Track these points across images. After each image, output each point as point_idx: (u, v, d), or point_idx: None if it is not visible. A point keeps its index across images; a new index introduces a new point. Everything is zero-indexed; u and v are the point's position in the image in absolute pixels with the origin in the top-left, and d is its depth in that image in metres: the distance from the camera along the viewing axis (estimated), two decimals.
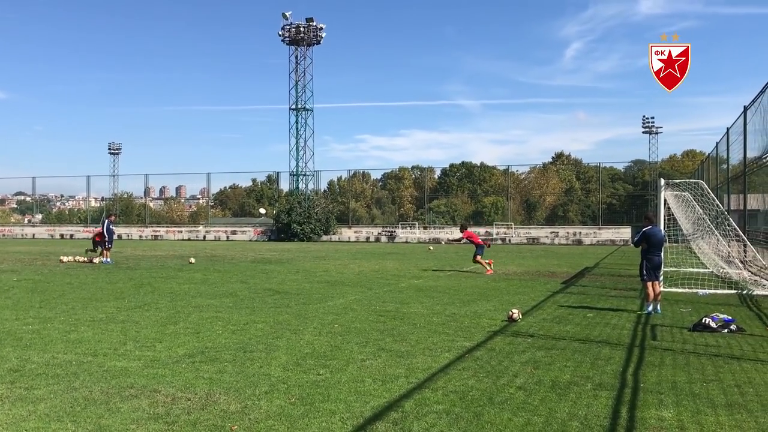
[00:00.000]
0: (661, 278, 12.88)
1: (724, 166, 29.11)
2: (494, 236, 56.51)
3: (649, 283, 11.89)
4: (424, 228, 61.35)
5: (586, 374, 7.01)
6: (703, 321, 9.94)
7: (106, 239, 25.12)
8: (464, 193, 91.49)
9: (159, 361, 7.54)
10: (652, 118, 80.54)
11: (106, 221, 25.81)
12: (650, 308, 11.72)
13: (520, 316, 10.75)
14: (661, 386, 6.52)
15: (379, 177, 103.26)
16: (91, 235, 27.61)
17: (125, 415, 5.50)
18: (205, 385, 6.49)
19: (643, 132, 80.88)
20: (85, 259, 25.29)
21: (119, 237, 60.77)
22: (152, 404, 5.82)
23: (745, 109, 21.32)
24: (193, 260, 26.07)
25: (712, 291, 14.93)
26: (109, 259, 24.75)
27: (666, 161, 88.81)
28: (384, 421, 5.35)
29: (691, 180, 17.97)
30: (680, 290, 14.99)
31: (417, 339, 9.03)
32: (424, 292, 15.08)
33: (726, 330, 9.67)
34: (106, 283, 16.76)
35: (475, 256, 21.38)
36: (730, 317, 10.22)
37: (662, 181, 16.10)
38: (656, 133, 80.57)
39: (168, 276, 18.97)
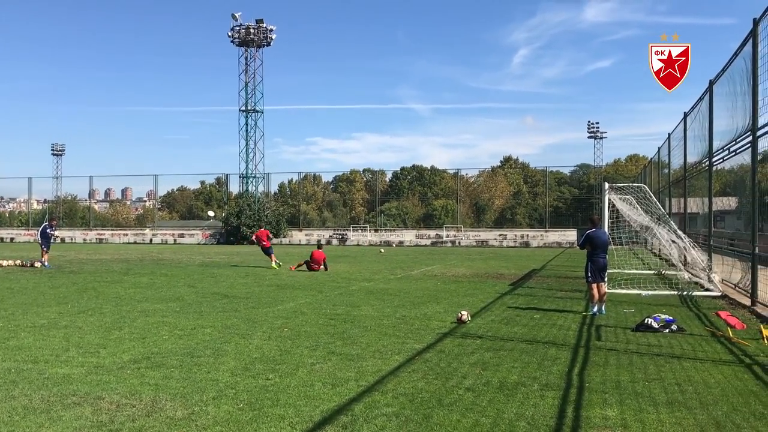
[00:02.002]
0: (606, 279, 13.17)
1: (666, 170, 30.03)
2: (444, 238, 56.95)
3: (594, 285, 12.14)
4: (375, 231, 61.44)
5: (533, 375, 7.12)
6: (646, 321, 10.20)
7: (40, 242, 24.58)
8: (415, 196, 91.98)
9: (103, 368, 7.36)
10: (597, 123, 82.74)
11: (43, 225, 25.17)
12: (595, 309, 11.97)
13: (469, 318, 10.86)
14: (605, 386, 6.67)
15: (330, 180, 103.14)
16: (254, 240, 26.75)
17: (67, 424, 5.35)
18: (151, 391, 6.36)
19: (588, 137, 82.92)
20: (26, 263, 24.53)
21: (62, 240, 59.19)
22: (96, 412, 5.68)
23: (685, 115, 22.04)
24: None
25: (654, 292, 15.34)
26: (47, 264, 24.05)
27: (611, 165, 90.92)
28: (333, 425, 5.34)
29: (634, 184, 18.48)
30: (623, 291, 15.35)
31: (367, 342, 9.03)
32: (374, 294, 15.10)
33: (667, 330, 9.95)
34: (48, 287, 16.28)
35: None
36: (671, 317, 10.51)
37: (606, 185, 16.48)
38: (601, 138, 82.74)
39: (113, 280, 18.53)
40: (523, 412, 5.74)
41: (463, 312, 10.97)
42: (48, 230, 24.88)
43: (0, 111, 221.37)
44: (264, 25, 61.01)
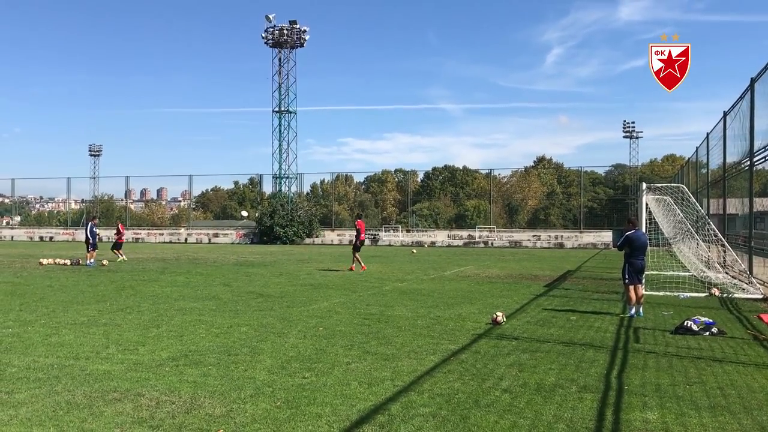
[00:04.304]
0: (643, 281, 12.96)
1: (704, 171, 29.49)
2: (476, 239, 56.69)
3: (632, 287, 11.96)
4: (407, 231, 61.40)
5: (571, 377, 7.04)
6: (685, 324, 10.02)
7: (90, 242, 25.10)
8: (447, 196, 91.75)
9: (142, 365, 7.47)
10: (633, 122, 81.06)
11: (90, 224, 25.69)
12: (633, 311, 11.79)
13: (504, 319, 10.77)
14: (645, 389, 6.57)
15: (362, 180, 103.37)
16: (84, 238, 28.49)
17: (109, 419, 5.44)
18: (190, 388, 6.44)
19: (623, 137, 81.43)
20: (67, 262, 25.05)
21: (100, 239, 60.20)
22: (136, 408, 5.76)
23: (725, 114, 21.59)
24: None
25: (693, 294, 15.07)
26: (92, 261, 24.57)
27: (646, 165, 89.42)
28: (370, 425, 5.34)
29: (672, 184, 18.17)
30: (661, 293, 15.11)
31: (402, 342, 9.02)
32: (408, 294, 15.08)
33: (707, 333, 9.76)
34: (87, 286, 16.59)
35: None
36: (711, 320, 10.31)
37: (644, 185, 16.23)
38: (637, 138, 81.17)
39: (150, 279, 18.81)
40: (561, 414, 5.68)
41: (498, 313, 10.89)
42: (94, 228, 25.60)
43: (41, 114, 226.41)
44: (297, 26, 61.36)
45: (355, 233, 24.17)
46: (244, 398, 6.09)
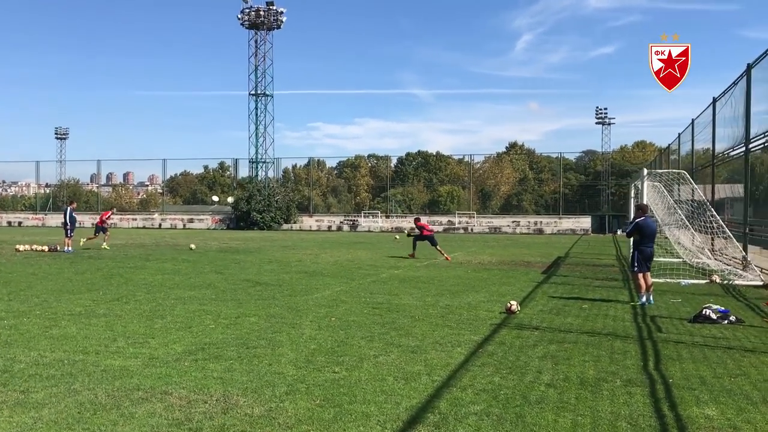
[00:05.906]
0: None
1: (674, 157, 29.65)
2: (456, 225, 56.64)
3: (641, 275, 11.80)
4: (387, 217, 61.09)
5: (610, 369, 6.81)
6: (704, 312, 9.88)
7: (68, 227, 24.18)
8: (420, 182, 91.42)
9: (158, 359, 7.05)
10: (605, 109, 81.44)
11: (68, 209, 24.81)
12: (644, 299, 11.64)
13: (519, 309, 10.54)
14: (690, 382, 6.36)
15: (334, 165, 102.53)
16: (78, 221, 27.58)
17: (142, 421, 5.05)
18: (218, 385, 6.06)
19: (596, 123, 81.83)
20: (45, 248, 24.18)
21: (80, 224, 58.84)
22: (167, 408, 5.37)
23: (715, 100, 21.61)
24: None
25: (693, 281, 15.03)
26: (70, 248, 23.77)
27: (617, 152, 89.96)
28: (424, 425, 5.03)
29: (674, 170, 18.12)
30: (661, 280, 15.01)
31: (422, 333, 8.72)
32: (408, 282, 14.78)
33: (726, 321, 9.64)
34: (72, 273, 15.98)
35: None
36: (724, 308, 10.20)
37: (645, 171, 16.15)
38: (609, 124, 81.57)
39: (136, 266, 18.22)
40: (617, 410, 5.43)
41: (512, 302, 10.64)
42: (73, 213, 24.74)
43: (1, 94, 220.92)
44: (274, 7, 60.34)
45: (417, 232, 23.47)
46: (280, 396, 5.74)
